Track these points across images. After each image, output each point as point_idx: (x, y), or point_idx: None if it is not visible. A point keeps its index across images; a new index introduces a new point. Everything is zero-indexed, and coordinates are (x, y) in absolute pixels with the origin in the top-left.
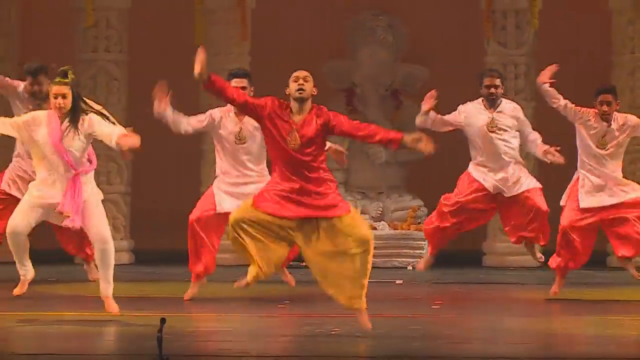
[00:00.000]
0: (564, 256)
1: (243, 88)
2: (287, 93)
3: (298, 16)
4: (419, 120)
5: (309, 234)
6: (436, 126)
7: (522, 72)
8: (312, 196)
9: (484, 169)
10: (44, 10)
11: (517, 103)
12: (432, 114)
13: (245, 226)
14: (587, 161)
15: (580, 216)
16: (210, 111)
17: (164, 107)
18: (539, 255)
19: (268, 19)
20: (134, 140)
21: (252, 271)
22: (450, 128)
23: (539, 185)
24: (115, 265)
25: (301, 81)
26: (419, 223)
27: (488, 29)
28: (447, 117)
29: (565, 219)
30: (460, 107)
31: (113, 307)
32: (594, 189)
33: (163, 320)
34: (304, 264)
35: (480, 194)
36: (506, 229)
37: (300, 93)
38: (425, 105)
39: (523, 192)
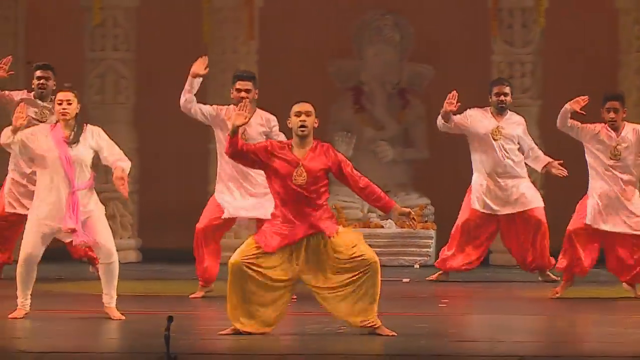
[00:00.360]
0: (569, 257)
1: (247, 91)
2: (288, 126)
3: (305, 15)
4: (441, 123)
5: (312, 269)
6: (453, 130)
7: (528, 70)
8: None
9: (485, 183)
10: (50, 10)
11: (524, 101)
12: (452, 117)
13: (247, 271)
14: (598, 180)
15: (585, 228)
16: (217, 106)
17: (202, 73)
18: (553, 277)
19: (275, 17)
20: (123, 190)
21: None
22: (458, 132)
23: (542, 203)
24: (122, 263)
25: (303, 117)
26: (426, 221)
27: (494, 28)
28: (455, 118)
29: (572, 225)
30: (468, 112)
31: (116, 315)
32: (604, 209)
33: (170, 319)
34: None
35: (480, 218)
36: (510, 248)
37: (303, 131)
38: (449, 107)
39: (526, 210)
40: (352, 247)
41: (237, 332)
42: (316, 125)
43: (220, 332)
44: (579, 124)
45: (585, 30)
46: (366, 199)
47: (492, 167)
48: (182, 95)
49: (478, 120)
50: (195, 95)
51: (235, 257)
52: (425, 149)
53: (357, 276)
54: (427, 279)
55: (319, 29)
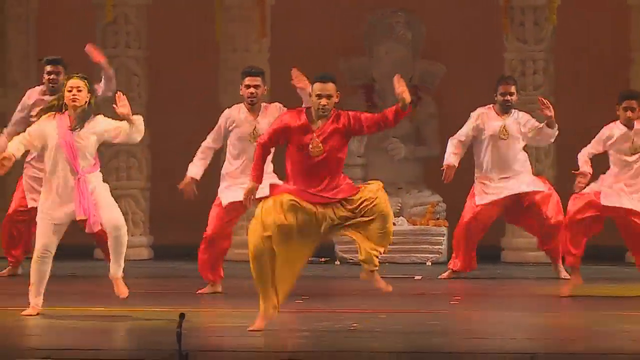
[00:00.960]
0: (571, 250)
1: (256, 86)
2: (308, 98)
3: (316, 13)
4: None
5: (331, 217)
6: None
7: (540, 67)
8: (327, 194)
9: (488, 182)
10: (62, 7)
11: (536, 98)
12: (458, 156)
13: (268, 239)
14: (614, 167)
15: (589, 208)
16: (221, 118)
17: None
18: (564, 273)
19: (287, 15)
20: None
21: (262, 315)
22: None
23: (545, 189)
24: (134, 260)
25: (324, 101)
26: (438, 219)
27: (506, 25)
28: (464, 134)
29: (572, 207)
30: (473, 114)
31: (122, 289)
32: (614, 189)
33: (182, 316)
34: (323, 259)
35: (485, 211)
36: (528, 230)
37: (324, 112)
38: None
39: (535, 200)
40: (367, 196)
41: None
42: (337, 100)
43: (250, 329)
44: (595, 146)
45: (597, 27)
46: (388, 122)
47: (496, 165)
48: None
49: (485, 121)
50: (206, 94)
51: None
52: (437, 146)
53: (366, 220)
54: (439, 277)
55: (331, 26)
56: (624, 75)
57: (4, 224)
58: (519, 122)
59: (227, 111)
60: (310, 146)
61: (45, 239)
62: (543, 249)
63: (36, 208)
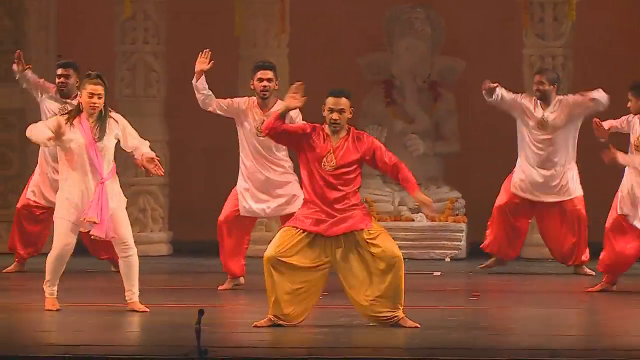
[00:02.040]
0: (606, 254)
1: (269, 80)
2: (323, 114)
3: (336, 8)
4: (486, 97)
5: (341, 255)
6: (499, 104)
7: (559, 63)
8: (340, 215)
9: (528, 170)
10: (81, 3)
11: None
12: (497, 90)
13: (279, 262)
14: (627, 170)
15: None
16: (236, 99)
17: (207, 68)
18: (588, 271)
19: (306, 11)
20: (158, 170)
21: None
22: (505, 107)
23: (581, 192)
24: (153, 256)
25: (336, 115)
26: (457, 215)
27: (526, 21)
28: (507, 96)
29: (608, 221)
30: (519, 97)
31: (140, 307)
32: (630, 194)
33: (201, 312)
34: None
35: (517, 202)
36: (547, 239)
37: (335, 127)
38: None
39: (566, 200)
40: (381, 242)
41: (272, 324)
42: (350, 116)
43: (255, 324)
44: (613, 123)
45: (616, 23)
46: (397, 181)
47: (537, 157)
48: (197, 96)
49: (527, 109)
50: (225, 90)
51: (269, 251)
52: (456, 142)
53: (383, 270)
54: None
55: (350, 22)
56: None
57: (15, 220)
58: (559, 112)
59: (241, 99)
60: (325, 160)
61: (63, 239)
62: (563, 262)
63: (35, 202)
